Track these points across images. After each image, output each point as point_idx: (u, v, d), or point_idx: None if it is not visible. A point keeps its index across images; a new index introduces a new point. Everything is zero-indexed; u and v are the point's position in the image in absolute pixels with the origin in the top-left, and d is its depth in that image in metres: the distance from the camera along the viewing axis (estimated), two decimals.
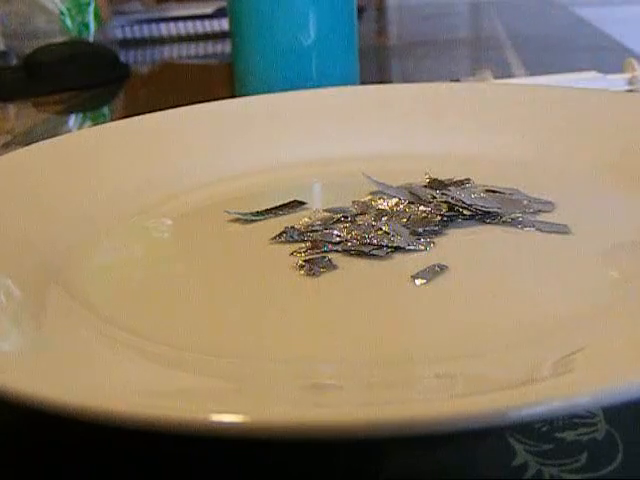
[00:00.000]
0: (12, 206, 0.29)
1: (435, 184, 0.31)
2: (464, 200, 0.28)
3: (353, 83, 0.49)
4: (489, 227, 0.28)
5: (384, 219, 0.28)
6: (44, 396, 0.15)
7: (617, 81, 0.45)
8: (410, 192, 0.30)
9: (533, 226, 0.27)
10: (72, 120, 0.57)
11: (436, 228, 0.27)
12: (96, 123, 0.55)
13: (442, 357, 0.20)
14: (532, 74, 0.53)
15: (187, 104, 0.39)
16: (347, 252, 0.26)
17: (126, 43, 0.89)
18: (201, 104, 0.40)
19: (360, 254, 0.26)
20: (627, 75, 0.45)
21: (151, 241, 0.30)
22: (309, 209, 0.31)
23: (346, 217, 0.29)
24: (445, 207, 0.29)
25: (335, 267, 0.25)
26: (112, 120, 0.41)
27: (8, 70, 0.68)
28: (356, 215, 0.29)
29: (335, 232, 0.27)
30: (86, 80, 0.65)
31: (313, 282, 0.25)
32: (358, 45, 0.50)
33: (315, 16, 0.46)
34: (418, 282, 0.24)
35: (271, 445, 0.17)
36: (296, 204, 0.31)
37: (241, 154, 0.37)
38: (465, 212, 0.28)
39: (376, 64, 0.78)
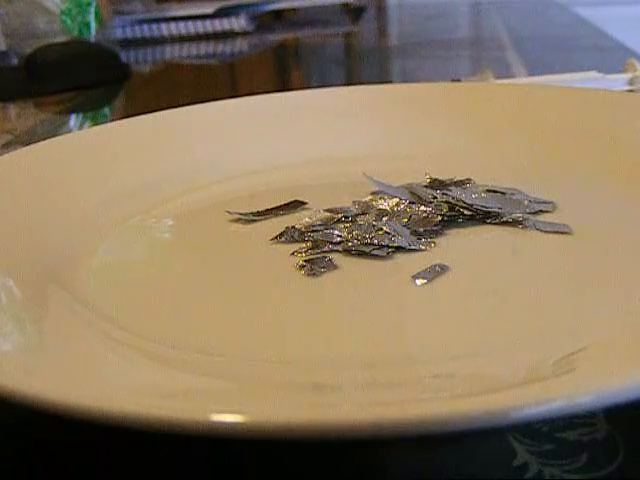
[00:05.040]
0: (12, 206, 0.29)
1: (436, 184, 0.31)
2: (465, 200, 0.28)
3: None
4: (490, 227, 0.28)
5: (385, 219, 0.28)
6: (44, 396, 0.15)
7: (617, 81, 0.45)
8: (411, 192, 0.30)
9: (534, 226, 0.27)
10: (72, 120, 0.57)
11: (437, 228, 0.27)
12: (96, 123, 0.55)
13: (442, 357, 0.20)
14: (533, 74, 0.53)
15: (187, 104, 0.39)
16: (348, 252, 0.26)
17: (126, 43, 0.89)
18: (201, 104, 0.40)
19: (361, 254, 0.26)
20: (627, 75, 0.45)
21: (151, 241, 0.30)
22: (310, 209, 0.31)
23: (347, 217, 0.29)
24: (446, 207, 0.29)
25: (336, 267, 0.25)
26: (112, 120, 0.41)
27: (8, 70, 0.68)
28: (357, 215, 0.29)
29: (336, 232, 0.27)
30: (86, 80, 0.65)
31: (314, 282, 0.25)
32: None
33: None
34: (419, 282, 0.24)
35: (271, 445, 0.17)
36: (297, 204, 0.31)
37: (241, 154, 0.37)
38: (466, 212, 0.28)
39: (376, 64, 0.78)
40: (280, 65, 0.84)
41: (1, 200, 0.29)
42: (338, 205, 0.30)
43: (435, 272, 0.24)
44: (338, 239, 0.27)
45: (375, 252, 0.26)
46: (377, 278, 0.25)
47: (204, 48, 0.88)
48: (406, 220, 0.28)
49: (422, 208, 0.29)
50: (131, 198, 0.32)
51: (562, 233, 0.27)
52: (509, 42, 0.76)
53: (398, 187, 0.31)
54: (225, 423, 0.14)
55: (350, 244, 0.27)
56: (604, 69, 0.47)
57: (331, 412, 0.16)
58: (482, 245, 0.27)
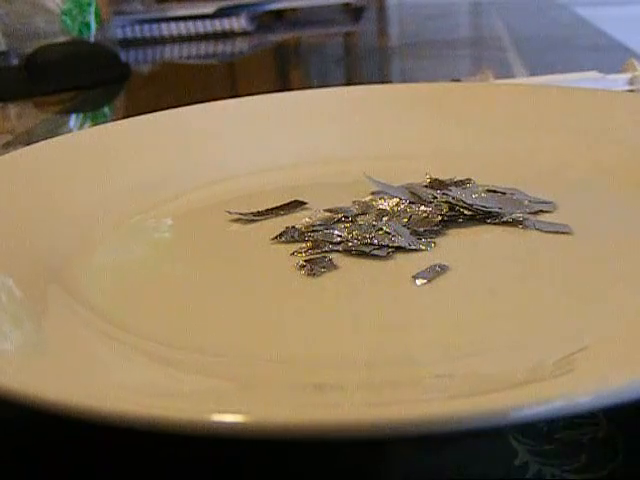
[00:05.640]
0: (12, 206, 0.29)
1: (436, 184, 0.31)
2: (465, 200, 0.28)
3: None
4: (490, 227, 0.28)
5: (385, 219, 0.28)
6: (44, 396, 0.15)
7: (617, 81, 0.45)
8: (411, 192, 0.30)
9: (534, 226, 0.27)
10: (72, 120, 0.57)
11: (437, 228, 0.27)
12: (96, 123, 0.55)
13: (442, 357, 0.20)
14: (533, 74, 0.52)
15: (187, 104, 0.39)
16: (348, 252, 0.26)
17: (126, 43, 0.89)
18: (201, 104, 0.40)
19: (361, 254, 0.26)
20: (627, 75, 0.45)
21: (151, 241, 0.30)
22: (310, 209, 0.31)
23: (347, 217, 0.29)
24: (446, 207, 0.29)
25: (336, 267, 0.25)
26: (112, 120, 0.41)
27: (8, 70, 0.68)
28: (357, 215, 0.29)
29: (336, 232, 0.27)
30: (86, 80, 0.65)
31: (314, 282, 0.25)
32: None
33: None
34: (419, 282, 0.24)
35: (271, 445, 0.17)
36: (297, 204, 0.31)
37: (241, 154, 0.37)
38: (466, 212, 0.28)
39: (376, 64, 0.78)
40: (280, 65, 0.84)
41: (1, 200, 0.29)
42: (338, 205, 0.30)
43: (435, 272, 0.24)
44: (338, 239, 0.27)
45: (375, 252, 0.26)
46: (377, 278, 0.25)
47: (204, 48, 0.88)
48: (406, 220, 0.28)
49: (422, 208, 0.29)
50: (131, 198, 0.32)
51: (562, 233, 0.27)
52: (509, 42, 0.76)
53: (398, 187, 0.31)
54: (225, 423, 0.14)
55: (350, 244, 0.26)
56: (604, 69, 0.46)
57: (331, 412, 0.16)
58: (482, 245, 0.27)
